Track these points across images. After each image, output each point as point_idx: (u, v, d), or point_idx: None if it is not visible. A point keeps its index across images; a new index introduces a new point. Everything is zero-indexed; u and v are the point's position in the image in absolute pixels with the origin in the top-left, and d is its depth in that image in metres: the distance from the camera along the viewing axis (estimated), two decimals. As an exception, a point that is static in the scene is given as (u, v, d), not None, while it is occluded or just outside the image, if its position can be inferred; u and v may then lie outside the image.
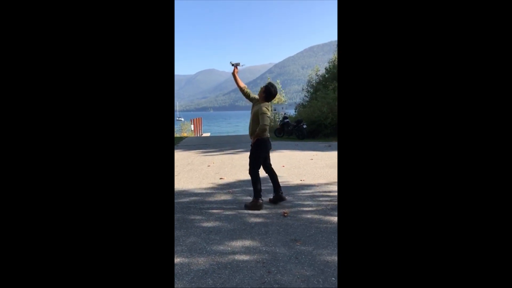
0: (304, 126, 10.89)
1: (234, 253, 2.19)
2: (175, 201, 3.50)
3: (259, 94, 3.22)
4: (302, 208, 3.13)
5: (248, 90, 3.38)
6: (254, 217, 2.91)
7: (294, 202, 3.36)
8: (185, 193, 3.82)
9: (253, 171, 3.18)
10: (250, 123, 3.23)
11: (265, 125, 3.03)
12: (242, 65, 3.54)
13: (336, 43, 21.07)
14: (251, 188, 3.93)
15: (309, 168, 5.17)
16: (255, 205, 3.09)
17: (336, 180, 4.27)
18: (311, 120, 11.41)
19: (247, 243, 2.35)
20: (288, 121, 11.71)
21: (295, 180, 4.37)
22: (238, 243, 2.35)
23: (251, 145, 3.24)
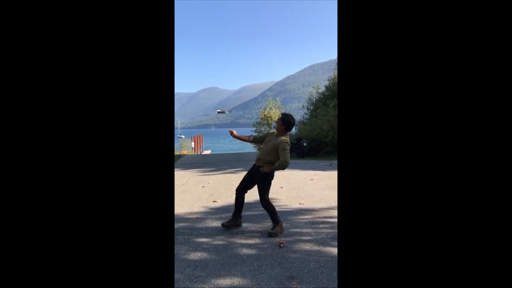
0: (305, 144, 10.67)
1: (220, 294, 1.89)
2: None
3: (278, 127, 2.94)
4: (300, 237, 2.83)
5: (254, 136, 3.36)
6: (247, 248, 2.62)
7: (291, 229, 3.07)
8: (175, 219, 3.54)
9: (267, 199, 2.99)
10: (264, 152, 2.94)
11: (287, 162, 2.79)
12: (229, 111, 3.45)
13: (335, 61, 21.34)
14: (245, 213, 3.66)
15: (309, 190, 4.88)
16: (282, 230, 2.94)
17: (336, 204, 3.98)
18: (311, 138, 11.21)
19: (236, 281, 2.06)
20: (303, 143, 11.51)
21: (293, 204, 4.08)
22: (226, 281, 2.06)
23: (261, 175, 2.92)
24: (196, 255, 2.49)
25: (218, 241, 2.81)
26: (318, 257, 2.39)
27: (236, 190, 3.13)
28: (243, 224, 3.27)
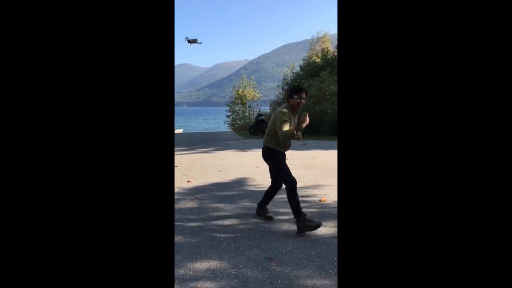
0: (261, 117, 10.65)
1: (197, 278, 1.81)
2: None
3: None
4: (277, 217, 2.80)
5: (290, 126, 2.57)
6: (223, 229, 2.54)
7: (269, 209, 3.03)
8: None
9: (289, 185, 2.46)
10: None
11: (282, 133, 2.49)
12: (200, 42, 3.15)
13: (310, 41, 21.19)
14: (221, 193, 3.57)
15: (285, 169, 4.87)
16: (314, 225, 2.33)
17: (312, 183, 4.01)
18: (286, 117, 11.16)
19: (214, 264, 1.98)
20: (263, 119, 11.43)
21: (269, 183, 4.04)
22: (202, 265, 1.97)
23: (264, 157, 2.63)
24: (170, 238, 2.37)
25: (193, 222, 2.71)
26: (296, 237, 2.37)
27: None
28: (219, 205, 3.17)
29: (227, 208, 3.09)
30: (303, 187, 3.80)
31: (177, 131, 21.84)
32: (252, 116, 15.32)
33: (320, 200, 3.23)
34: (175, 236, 2.40)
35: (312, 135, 10.61)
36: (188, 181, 4.19)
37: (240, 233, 2.45)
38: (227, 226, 2.62)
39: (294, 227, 2.56)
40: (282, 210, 3.00)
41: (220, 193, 3.59)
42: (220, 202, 3.25)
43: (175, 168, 5.09)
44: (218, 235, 2.43)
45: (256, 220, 2.73)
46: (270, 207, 3.09)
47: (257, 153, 6.68)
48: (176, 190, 3.78)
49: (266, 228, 2.55)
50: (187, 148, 7.79)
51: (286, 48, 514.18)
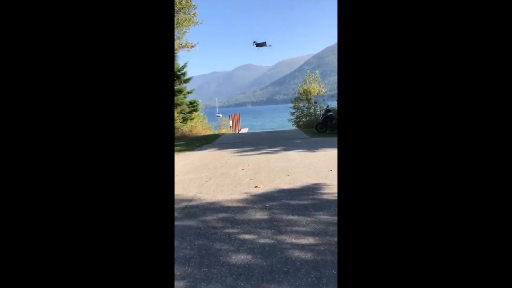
0: (332, 115, 9.78)
1: (271, 319, 1.45)
2: (201, 218, 2.87)
3: None
4: (364, 237, 2.28)
5: None
6: (299, 251, 2.14)
7: (351, 225, 2.52)
8: (213, 208, 3.18)
9: None
10: None
11: None
12: (269, 45, 2.77)
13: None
14: (293, 202, 3.18)
15: (364, 173, 4.23)
16: None
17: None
18: (358, 112, 10.21)
19: (291, 300, 1.60)
20: (331, 114, 10.67)
21: (348, 190, 3.49)
22: (277, 300, 1.61)
23: None
24: (238, 257, 2.08)
25: (264, 238, 2.38)
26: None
27: None
28: (292, 217, 2.79)
29: (302, 221, 2.68)
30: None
31: (243, 130, 22.34)
32: (318, 112, 14.57)
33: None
34: (244, 255, 2.10)
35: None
36: (255, 186, 3.91)
37: (321, 257, 2.02)
38: (304, 246, 2.21)
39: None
40: (369, 227, 2.46)
41: (292, 202, 3.21)
42: (292, 214, 2.86)
43: (242, 170, 4.90)
44: (293, 257, 2.04)
45: (337, 240, 2.26)
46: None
47: (328, 154, 6.11)
48: (243, 196, 3.53)
49: (353, 253, 2.06)
50: (252, 148, 7.63)
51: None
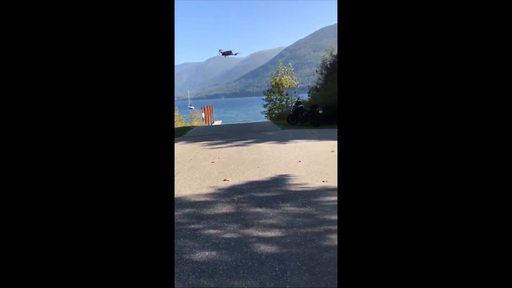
0: (320, 112, 9.96)
1: (233, 317, 1.41)
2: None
3: None
4: (329, 227, 2.30)
5: None
6: (265, 245, 2.11)
7: (317, 216, 2.54)
8: (179, 203, 3.07)
9: None
10: None
11: None
12: (235, 54, 2.68)
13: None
14: (261, 195, 3.15)
15: (331, 164, 4.31)
16: None
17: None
18: (327, 104, 10.42)
19: (254, 295, 1.57)
20: (302, 107, 10.79)
21: (315, 182, 3.53)
22: (240, 296, 1.57)
23: None
24: (203, 254, 2.01)
25: (230, 233, 2.32)
26: (358, 257, 1.86)
27: None
28: (259, 210, 2.76)
29: (269, 213, 2.66)
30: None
31: (216, 122, 21.98)
32: (290, 105, 14.70)
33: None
34: (208, 252, 2.04)
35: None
36: (224, 179, 3.84)
37: (286, 250, 2.01)
38: (270, 239, 2.19)
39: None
40: (333, 217, 2.49)
41: (260, 194, 3.18)
42: (260, 206, 2.84)
43: (212, 164, 4.80)
44: (259, 251, 2.01)
45: (304, 231, 2.26)
46: (320, 213, 2.60)
47: (298, 145, 6.16)
48: (212, 190, 3.45)
49: (318, 243, 2.07)
50: (224, 140, 7.52)
51: (322, 32, 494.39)
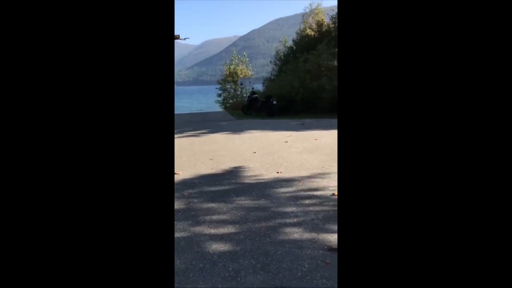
0: (274, 103, 10.03)
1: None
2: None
3: None
4: (284, 220, 2.26)
5: None
6: (218, 243, 1.98)
7: (272, 209, 2.48)
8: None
9: None
10: None
11: None
12: (183, 39, 2.46)
13: (302, 14, 20.16)
14: (214, 189, 3.00)
15: (286, 154, 4.31)
16: None
17: (319, 171, 3.46)
18: (281, 95, 10.54)
19: (205, 301, 1.44)
20: (256, 97, 10.75)
21: (270, 173, 3.49)
22: (190, 303, 1.42)
23: None
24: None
25: (179, 232, 2.15)
26: (313, 251, 1.83)
27: None
28: (212, 205, 2.61)
29: (222, 208, 2.52)
30: (309, 177, 3.26)
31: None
32: (245, 95, 14.58)
33: (334, 194, 2.69)
34: (155, 255, 1.84)
35: (310, 113, 10.02)
36: (175, 173, 3.60)
37: (240, 247, 1.91)
38: (223, 236, 2.06)
39: (306, 234, 2.02)
40: (289, 209, 2.45)
41: (213, 188, 3.03)
42: (212, 201, 2.69)
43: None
44: (211, 251, 1.88)
45: (258, 226, 2.18)
46: (274, 205, 2.54)
47: (253, 136, 6.09)
48: (160, 185, 3.19)
49: (273, 239, 2.00)
50: (176, 131, 7.13)
51: (276, 23, 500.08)
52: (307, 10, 20.20)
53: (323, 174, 3.34)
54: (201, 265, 1.73)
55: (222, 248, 1.90)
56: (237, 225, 2.21)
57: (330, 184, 2.98)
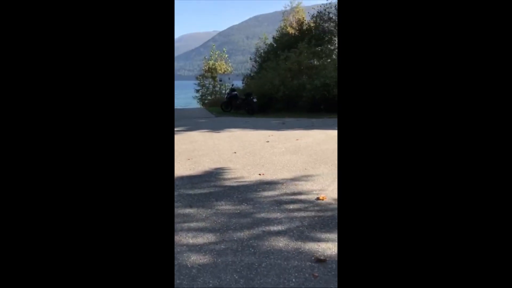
0: (254, 100, 9.90)
1: None
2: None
3: None
4: (268, 228, 2.13)
5: None
6: (196, 254, 1.82)
7: (255, 215, 2.35)
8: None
9: None
10: None
11: None
12: None
13: (283, 12, 20.13)
14: (192, 192, 2.82)
15: (267, 155, 4.19)
16: None
17: (302, 173, 3.38)
18: (261, 93, 10.42)
19: (183, 325, 1.28)
20: (236, 94, 10.56)
21: (252, 174, 3.35)
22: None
23: None
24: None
25: (154, 242, 1.95)
26: (300, 262, 1.72)
27: None
28: (190, 210, 2.43)
29: (201, 215, 2.35)
30: (293, 180, 3.16)
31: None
32: (224, 91, 14.33)
33: (318, 199, 2.61)
34: (126, 270, 1.65)
35: (290, 111, 9.99)
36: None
37: (221, 259, 1.75)
38: (203, 246, 1.90)
39: (292, 244, 1.91)
40: (272, 215, 2.33)
41: (191, 192, 2.84)
42: (190, 206, 2.51)
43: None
44: (189, 264, 1.71)
45: (241, 234, 2.04)
46: (257, 211, 2.41)
47: (233, 134, 5.92)
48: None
49: (257, 250, 1.86)
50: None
51: (256, 20, 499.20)
52: (288, 8, 20.22)
53: (307, 176, 3.25)
54: (177, 281, 1.56)
55: (202, 261, 1.74)
56: (218, 234, 2.05)
57: (314, 188, 2.89)
